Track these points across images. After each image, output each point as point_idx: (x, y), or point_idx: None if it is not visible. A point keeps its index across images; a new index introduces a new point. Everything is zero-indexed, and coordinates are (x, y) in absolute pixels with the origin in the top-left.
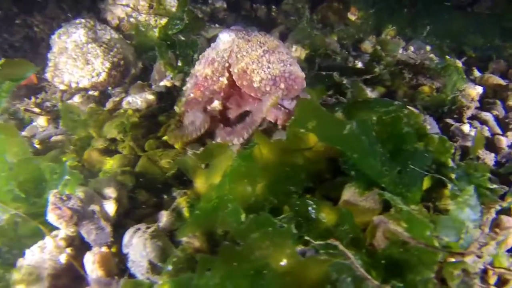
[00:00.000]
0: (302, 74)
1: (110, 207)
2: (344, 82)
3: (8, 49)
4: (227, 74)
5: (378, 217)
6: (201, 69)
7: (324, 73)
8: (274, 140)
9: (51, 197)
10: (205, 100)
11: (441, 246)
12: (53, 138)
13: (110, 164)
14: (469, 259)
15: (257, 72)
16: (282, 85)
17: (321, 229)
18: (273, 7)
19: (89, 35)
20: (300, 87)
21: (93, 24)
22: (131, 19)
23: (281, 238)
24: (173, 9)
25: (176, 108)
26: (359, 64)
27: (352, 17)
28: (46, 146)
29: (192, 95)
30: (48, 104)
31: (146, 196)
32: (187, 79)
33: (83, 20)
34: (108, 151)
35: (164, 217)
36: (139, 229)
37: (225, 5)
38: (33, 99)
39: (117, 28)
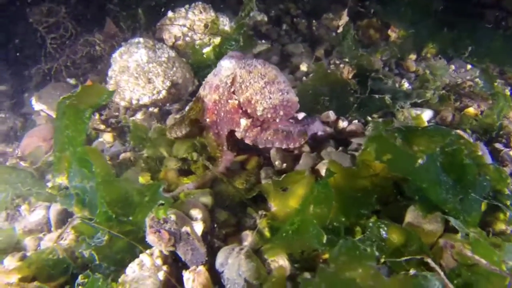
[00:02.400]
0: (296, 99)
1: (199, 228)
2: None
3: (70, 66)
4: (235, 96)
5: (445, 240)
6: (207, 94)
7: (377, 96)
8: (346, 167)
9: (149, 220)
10: (224, 120)
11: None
12: (122, 155)
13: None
14: None
15: (260, 103)
16: (281, 112)
17: (391, 249)
18: (314, 21)
19: (150, 55)
20: (295, 110)
21: (152, 44)
22: (187, 38)
23: (366, 261)
24: (226, 28)
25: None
26: (406, 84)
27: (392, 34)
28: (116, 162)
29: (208, 119)
30: (112, 120)
31: (225, 215)
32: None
33: (141, 40)
34: (181, 171)
35: (249, 237)
36: (233, 249)
37: (265, 18)
38: (97, 115)
39: (173, 47)
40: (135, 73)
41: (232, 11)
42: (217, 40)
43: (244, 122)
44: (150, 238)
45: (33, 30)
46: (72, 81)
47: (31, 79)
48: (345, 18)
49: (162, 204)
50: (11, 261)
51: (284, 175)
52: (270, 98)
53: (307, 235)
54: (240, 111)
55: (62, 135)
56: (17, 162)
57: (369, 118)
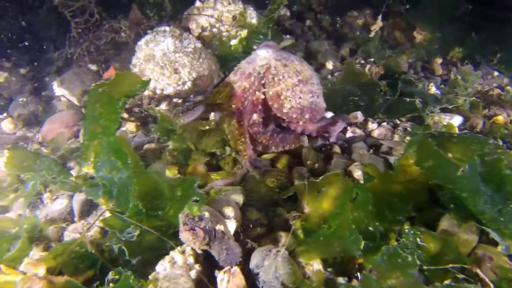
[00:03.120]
0: (324, 106)
1: (232, 227)
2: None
3: (94, 52)
4: (263, 89)
5: (484, 251)
6: (237, 80)
7: (407, 99)
8: (384, 172)
9: (183, 217)
10: (246, 109)
11: None
12: (146, 146)
13: (216, 179)
14: None
15: (289, 100)
16: (307, 116)
17: (427, 256)
18: (338, 18)
19: (176, 44)
20: (321, 116)
21: (179, 33)
22: (214, 29)
23: (408, 269)
24: (253, 21)
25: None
26: (433, 88)
27: (417, 35)
28: (139, 153)
29: (234, 106)
30: (136, 109)
31: (256, 214)
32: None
33: (168, 28)
34: (209, 166)
35: (283, 238)
36: (270, 250)
37: (288, 13)
38: None
39: (199, 37)
40: (161, 62)
41: (255, 3)
42: (243, 32)
43: (255, 116)
44: (184, 235)
45: (56, 14)
46: (93, 67)
47: (53, 63)
48: (379, 24)
49: (197, 201)
50: (35, 251)
51: (322, 177)
52: (300, 97)
53: (345, 240)
54: (260, 106)
55: (94, 123)
56: (39, 148)
57: (398, 121)
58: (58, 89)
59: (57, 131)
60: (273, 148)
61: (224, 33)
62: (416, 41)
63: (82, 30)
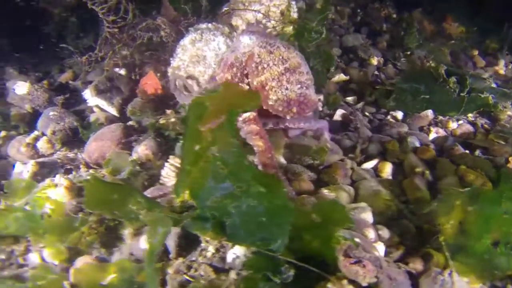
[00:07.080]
0: (315, 99)
1: (382, 250)
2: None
3: (127, 55)
4: (246, 81)
5: None
6: (220, 72)
7: (481, 95)
8: None
9: (345, 248)
10: None
11: None
12: None
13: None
14: None
15: (275, 91)
16: (294, 109)
17: None
18: (358, 10)
19: (228, 43)
20: (311, 111)
21: (229, 31)
22: (260, 26)
23: None
24: (295, 15)
25: None
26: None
27: (447, 26)
28: None
29: None
30: None
31: (387, 232)
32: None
33: (211, 26)
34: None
35: (434, 257)
36: (438, 275)
37: (304, 6)
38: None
39: None
40: (213, 64)
41: None
42: (289, 29)
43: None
44: (352, 269)
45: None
46: (122, 71)
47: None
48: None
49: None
50: None
51: (467, 189)
52: (287, 88)
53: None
54: None
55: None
56: (88, 171)
57: (471, 118)
58: (92, 99)
59: (108, 149)
60: None
61: (269, 30)
62: (446, 32)
63: (117, 30)
